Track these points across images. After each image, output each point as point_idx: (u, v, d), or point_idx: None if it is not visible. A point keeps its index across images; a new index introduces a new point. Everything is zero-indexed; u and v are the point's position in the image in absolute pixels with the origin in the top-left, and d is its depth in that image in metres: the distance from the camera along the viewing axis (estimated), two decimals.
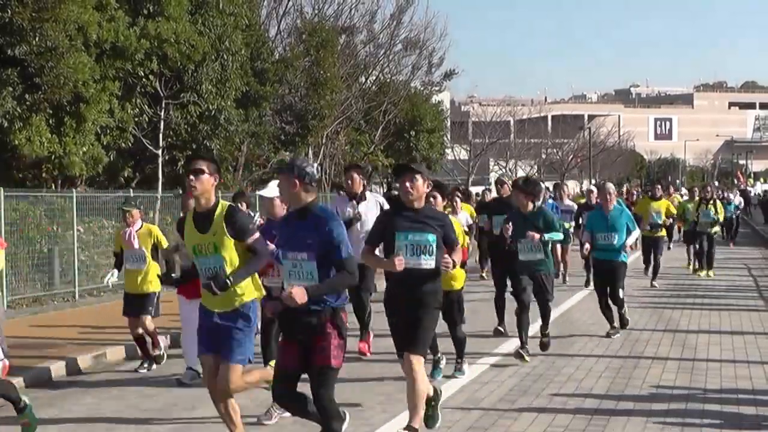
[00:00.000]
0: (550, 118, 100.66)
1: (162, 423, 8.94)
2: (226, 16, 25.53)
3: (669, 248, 27.90)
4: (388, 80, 41.49)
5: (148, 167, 25.29)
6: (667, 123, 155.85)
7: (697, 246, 22.77)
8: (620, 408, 9.19)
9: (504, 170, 70.70)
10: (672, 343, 13.11)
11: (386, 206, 11.80)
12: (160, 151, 24.34)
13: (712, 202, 22.72)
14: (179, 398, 9.96)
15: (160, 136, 24.26)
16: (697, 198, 27.69)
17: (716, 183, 62.45)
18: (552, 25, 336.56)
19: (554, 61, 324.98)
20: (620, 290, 13.65)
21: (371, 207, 12.01)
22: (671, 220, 22.27)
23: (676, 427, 8.50)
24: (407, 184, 7.90)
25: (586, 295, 18.77)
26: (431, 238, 7.89)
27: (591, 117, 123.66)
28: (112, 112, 21.98)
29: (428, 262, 7.90)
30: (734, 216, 34.51)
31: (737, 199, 39.78)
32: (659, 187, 22.84)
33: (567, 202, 21.43)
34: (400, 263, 7.69)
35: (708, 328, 14.44)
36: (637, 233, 14.41)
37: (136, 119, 23.36)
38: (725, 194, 39.34)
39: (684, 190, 38.84)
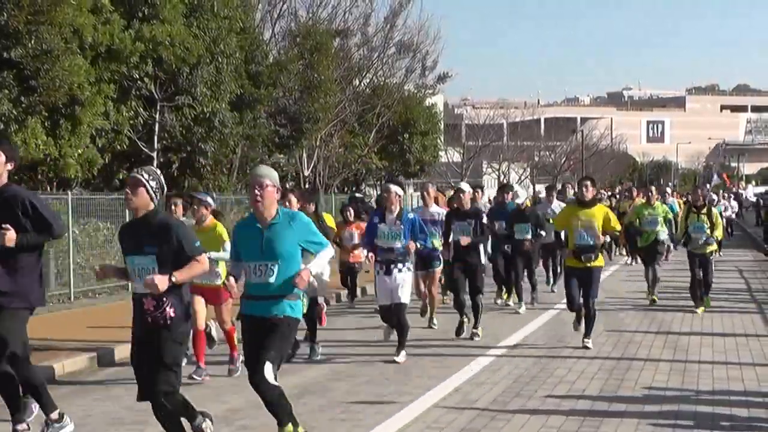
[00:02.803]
0: (542, 120, 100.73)
1: (156, 424, 8.98)
2: (221, 19, 25.56)
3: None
4: (382, 83, 41.53)
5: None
6: (660, 126, 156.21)
7: (692, 273, 16.95)
8: (613, 409, 9.25)
9: (497, 172, 70.88)
10: (664, 344, 13.20)
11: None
12: (155, 154, 24.36)
13: (705, 211, 16.86)
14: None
15: (155, 138, 24.29)
16: (669, 201, 26.17)
17: (708, 186, 62.39)
18: (545, 29, 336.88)
19: (547, 64, 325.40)
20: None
21: None
22: (607, 238, 14.18)
23: (668, 428, 8.56)
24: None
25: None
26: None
27: (583, 120, 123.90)
28: (107, 114, 22.00)
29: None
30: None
31: (723, 204, 36.52)
32: (626, 189, 20.84)
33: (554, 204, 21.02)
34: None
35: (700, 330, 14.53)
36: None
37: (131, 122, 23.38)
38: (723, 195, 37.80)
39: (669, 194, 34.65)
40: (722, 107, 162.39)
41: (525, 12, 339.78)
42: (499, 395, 9.96)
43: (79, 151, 20.93)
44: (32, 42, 19.66)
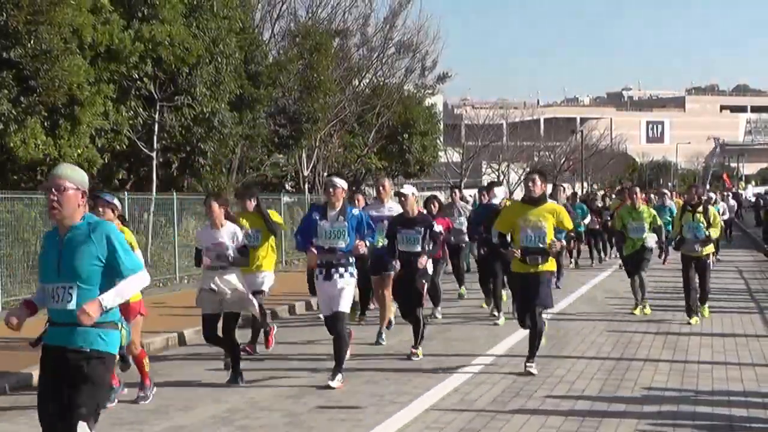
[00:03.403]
0: (542, 121, 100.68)
1: (156, 424, 9.00)
2: (221, 19, 25.57)
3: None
4: (382, 83, 41.54)
5: (142, 169, 25.33)
6: (659, 126, 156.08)
7: (685, 279, 15.58)
8: (612, 410, 9.25)
9: (497, 173, 70.85)
10: (664, 345, 13.19)
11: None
12: (154, 154, 24.38)
13: (701, 210, 15.51)
14: (173, 399, 10.01)
15: (155, 138, 24.30)
16: (667, 202, 25.42)
17: (708, 186, 62.35)
18: (544, 29, 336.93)
19: (547, 64, 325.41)
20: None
21: None
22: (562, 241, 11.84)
23: (667, 428, 8.56)
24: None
25: (578, 297, 18.88)
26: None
27: (583, 120, 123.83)
28: (106, 114, 22.01)
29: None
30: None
31: (721, 205, 33.17)
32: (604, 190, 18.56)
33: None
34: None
35: (700, 330, 14.52)
36: None
37: (131, 122, 23.38)
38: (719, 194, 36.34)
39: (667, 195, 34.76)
40: (722, 107, 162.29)
41: (525, 12, 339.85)
42: (499, 395, 9.96)
43: (79, 151, 20.92)
44: (32, 42, 19.67)
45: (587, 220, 25.22)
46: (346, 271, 10.72)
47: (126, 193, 22.05)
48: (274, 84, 30.14)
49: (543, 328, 11.29)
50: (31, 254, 18.67)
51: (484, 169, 71.87)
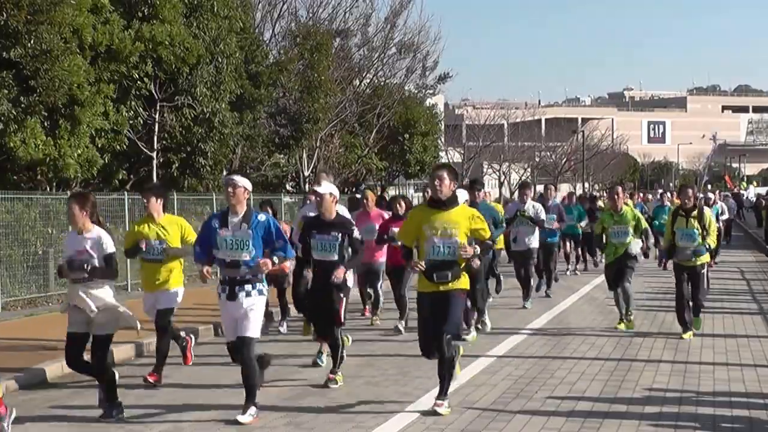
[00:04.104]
0: (543, 121, 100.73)
1: (156, 424, 8.96)
2: (221, 19, 25.55)
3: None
4: (383, 83, 41.52)
5: (142, 170, 25.31)
6: (661, 126, 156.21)
7: (678, 290, 14.03)
8: (613, 410, 9.22)
9: (498, 173, 70.86)
10: (665, 345, 13.15)
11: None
12: (154, 154, 24.36)
13: (695, 214, 13.74)
14: (173, 399, 9.97)
15: (155, 138, 24.28)
16: (665, 201, 24.99)
17: (709, 186, 62.20)
18: (546, 29, 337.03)
19: (548, 64, 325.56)
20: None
21: None
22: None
23: (669, 429, 8.54)
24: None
25: (579, 297, 18.83)
26: None
27: (584, 120, 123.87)
28: (106, 114, 21.99)
29: None
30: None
31: (720, 205, 31.51)
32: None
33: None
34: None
35: (701, 331, 14.48)
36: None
37: (131, 122, 23.37)
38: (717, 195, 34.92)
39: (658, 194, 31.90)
40: (723, 108, 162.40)
41: (525, 12, 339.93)
42: (500, 396, 9.93)
43: (79, 151, 20.91)
44: (32, 42, 19.66)
45: (584, 223, 23.90)
46: (253, 288, 9.06)
47: (126, 193, 22.03)
48: (275, 84, 30.13)
49: (455, 355, 9.25)
50: (30, 254, 18.65)
51: (485, 170, 71.88)
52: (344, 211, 11.75)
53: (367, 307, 16.29)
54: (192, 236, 10.84)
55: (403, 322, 14.42)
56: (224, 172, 28.06)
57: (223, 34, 25.34)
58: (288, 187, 36.84)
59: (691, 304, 13.94)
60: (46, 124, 20.37)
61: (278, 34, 35.51)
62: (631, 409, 9.27)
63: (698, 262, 13.82)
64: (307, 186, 35.23)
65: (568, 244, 24.84)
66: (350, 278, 11.22)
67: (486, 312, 14.63)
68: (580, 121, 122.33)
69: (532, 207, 17.65)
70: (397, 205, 14.93)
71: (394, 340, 13.58)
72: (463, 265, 9.36)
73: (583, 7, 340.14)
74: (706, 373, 11.14)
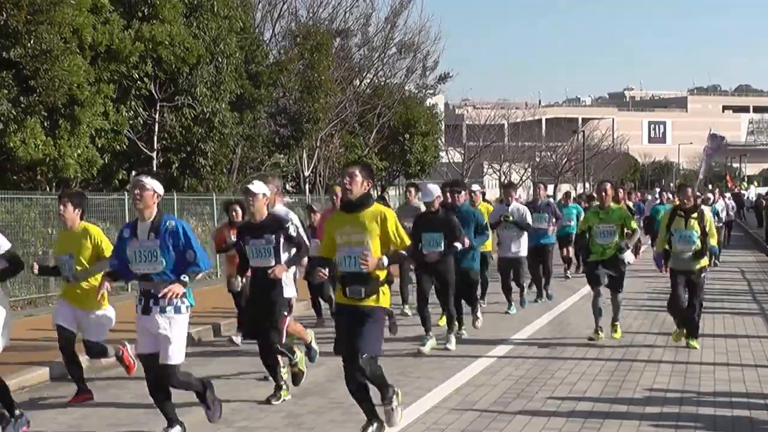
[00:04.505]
0: (544, 121, 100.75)
1: (156, 425, 8.94)
2: (221, 19, 25.56)
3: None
4: (383, 83, 41.56)
5: (142, 170, 25.28)
6: (661, 126, 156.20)
7: (674, 296, 12.97)
8: (614, 411, 9.20)
9: (498, 173, 70.85)
10: (665, 346, 13.13)
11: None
12: (154, 154, 24.37)
13: (695, 215, 12.70)
14: (173, 400, 9.95)
15: (155, 138, 24.29)
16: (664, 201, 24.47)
17: (710, 186, 62.06)
18: (546, 29, 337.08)
19: (548, 64, 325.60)
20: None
21: None
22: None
23: (669, 429, 8.52)
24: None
25: (580, 297, 18.79)
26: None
27: (585, 120, 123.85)
28: (106, 114, 21.99)
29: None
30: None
31: (719, 204, 30.47)
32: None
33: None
34: None
35: (701, 331, 14.43)
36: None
37: (131, 122, 23.38)
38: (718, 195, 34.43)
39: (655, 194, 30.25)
40: (724, 108, 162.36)
41: (525, 12, 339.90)
42: (500, 397, 9.91)
43: (79, 151, 20.91)
44: (31, 42, 19.67)
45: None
46: (168, 304, 8.00)
47: (126, 193, 22.02)
48: (275, 84, 30.14)
49: (377, 371, 8.14)
50: (30, 254, 18.63)
51: (485, 170, 71.92)
52: (281, 210, 10.30)
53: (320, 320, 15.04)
54: (108, 249, 9.40)
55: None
56: (224, 173, 28.10)
57: (223, 34, 25.35)
58: (288, 188, 36.84)
59: (687, 317, 12.85)
60: (45, 124, 20.38)
61: (278, 34, 35.59)
62: (632, 410, 9.25)
63: (696, 267, 12.72)
64: (307, 186, 35.24)
65: (564, 248, 22.75)
66: (292, 290, 9.97)
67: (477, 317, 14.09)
68: (580, 121, 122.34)
69: (517, 210, 16.39)
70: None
71: (394, 339, 13.55)
72: (383, 278, 8.08)
73: (583, 7, 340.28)
74: (706, 373, 11.12)
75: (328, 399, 9.90)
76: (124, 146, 23.19)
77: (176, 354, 8.02)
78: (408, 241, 8.21)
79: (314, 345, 10.88)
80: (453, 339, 12.92)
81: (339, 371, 11.30)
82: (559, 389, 10.26)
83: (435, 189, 12.56)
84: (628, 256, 13.57)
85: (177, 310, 8.03)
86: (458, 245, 12.51)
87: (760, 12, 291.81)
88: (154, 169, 24.28)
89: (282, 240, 9.57)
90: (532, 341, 13.74)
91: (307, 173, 35.77)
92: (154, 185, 8.09)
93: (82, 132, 20.92)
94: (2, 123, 19.47)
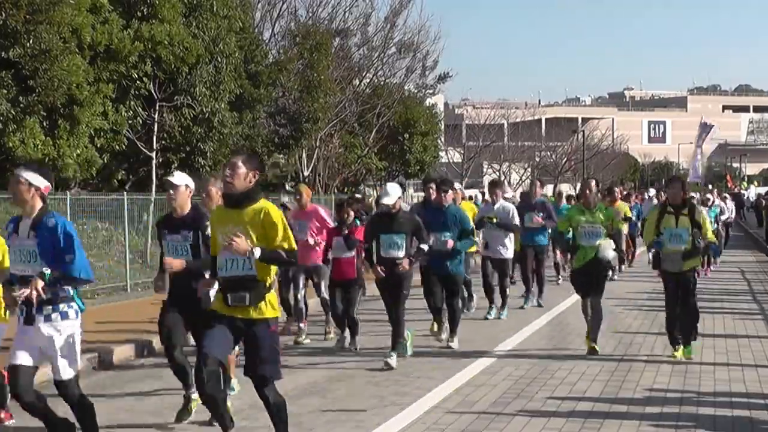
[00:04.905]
0: (543, 121, 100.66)
1: (156, 426, 8.93)
2: (220, 18, 25.54)
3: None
4: (382, 83, 41.51)
5: (141, 170, 25.30)
6: (661, 126, 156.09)
7: (668, 302, 12.15)
8: (614, 411, 9.19)
9: (498, 173, 70.85)
10: (666, 346, 13.11)
11: None
12: (153, 154, 24.34)
13: (686, 211, 11.81)
14: (172, 402, 9.94)
15: (154, 138, 24.26)
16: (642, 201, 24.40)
17: (710, 186, 62.04)
18: (546, 29, 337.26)
19: (548, 64, 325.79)
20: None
21: None
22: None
23: (669, 429, 8.51)
24: None
25: (579, 298, 18.74)
26: None
27: (585, 120, 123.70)
28: (105, 114, 21.99)
29: None
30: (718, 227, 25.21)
31: (719, 205, 29.58)
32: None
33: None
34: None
35: (701, 331, 14.40)
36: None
37: (130, 122, 23.36)
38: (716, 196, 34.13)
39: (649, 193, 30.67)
40: (724, 107, 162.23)
41: (525, 12, 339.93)
42: (500, 397, 9.90)
43: (78, 151, 20.90)
44: (30, 42, 19.66)
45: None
46: (54, 311, 7.07)
47: (125, 193, 22.01)
48: (274, 84, 30.12)
49: (279, 400, 7.54)
50: None
51: (485, 170, 71.90)
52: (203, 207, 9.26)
53: (291, 318, 14.13)
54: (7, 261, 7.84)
55: (357, 338, 12.84)
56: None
57: (222, 33, 25.33)
58: (288, 187, 36.82)
59: (681, 323, 12.11)
60: (45, 123, 20.38)
61: (278, 33, 35.55)
62: (632, 410, 9.25)
63: (685, 267, 11.81)
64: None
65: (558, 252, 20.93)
66: (212, 292, 7.86)
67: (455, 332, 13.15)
68: (580, 120, 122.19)
69: (502, 209, 15.73)
70: (345, 214, 12.91)
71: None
72: (269, 283, 7.20)
73: (583, 7, 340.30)
74: (706, 373, 11.12)
75: (327, 400, 9.90)
76: (123, 146, 23.18)
77: (69, 367, 7.16)
78: (294, 246, 7.18)
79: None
80: (396, 355, 11.60)
81: (339, 373, 11.34)
82: (559, 389, 10.25)
83: (396, 189, 11.93)
84: (607, 252, 12.28)
85: (64, 316, 7.07)
86: (425, 247, 11.77)
87: (760, 12, 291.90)
88: (153, 169, 24.26)
89: (199, 239, 8.56)
90: (532, 341, 13.73)
91: (306, 173, 35.75)
92: (29, 177, 7.06)
93: (81, 132, 20.91)
94: (1, 123, 19.47)
